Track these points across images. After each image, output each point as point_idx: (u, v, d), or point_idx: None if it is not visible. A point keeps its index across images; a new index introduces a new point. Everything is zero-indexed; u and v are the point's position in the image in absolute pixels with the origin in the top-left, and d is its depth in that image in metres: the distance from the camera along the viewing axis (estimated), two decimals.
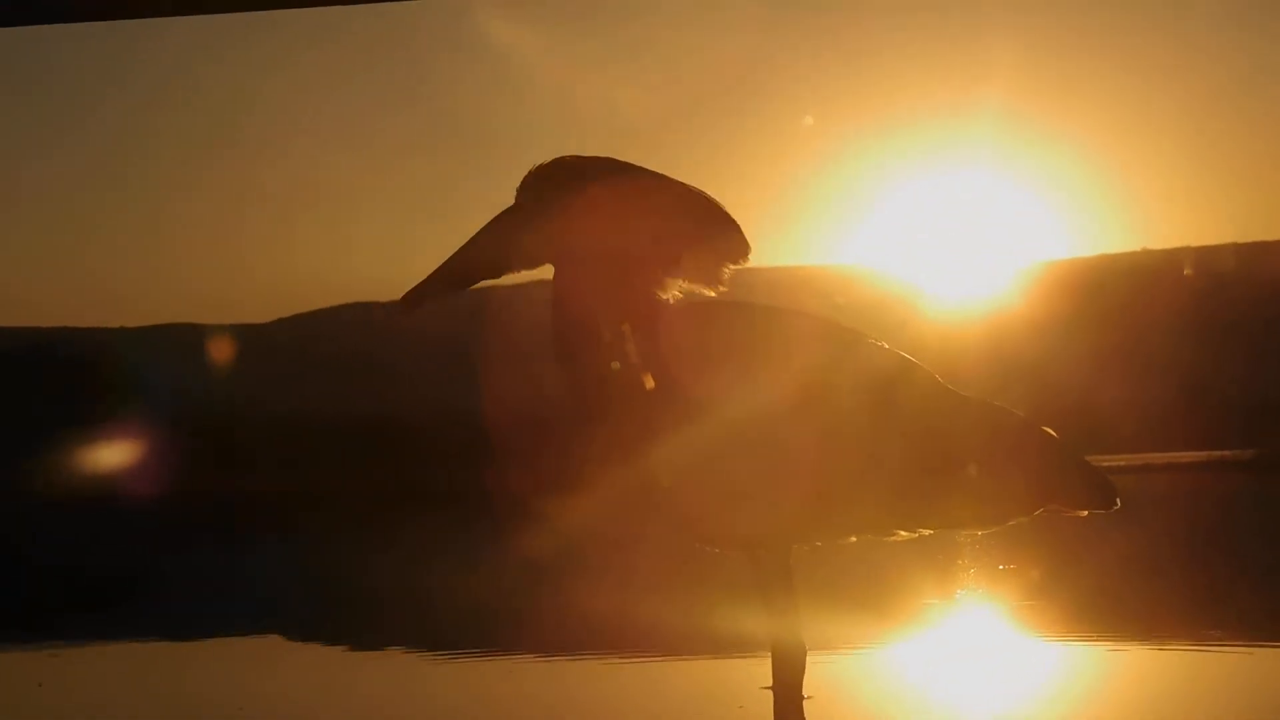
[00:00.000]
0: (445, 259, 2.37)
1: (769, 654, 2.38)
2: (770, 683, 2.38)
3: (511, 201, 2.36)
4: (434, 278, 2.38)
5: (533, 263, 2.36)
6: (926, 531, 2.45)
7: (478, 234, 2.36)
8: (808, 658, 2.32)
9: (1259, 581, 5.26)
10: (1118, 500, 2.48)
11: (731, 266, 2.35)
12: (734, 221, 2.36)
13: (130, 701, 3.58)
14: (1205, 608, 4.48)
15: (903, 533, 2.44)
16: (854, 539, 2.43)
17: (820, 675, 2.68)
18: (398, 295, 2.36)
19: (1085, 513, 2.50)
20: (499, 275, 2.38)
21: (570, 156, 2.38)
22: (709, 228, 2.36)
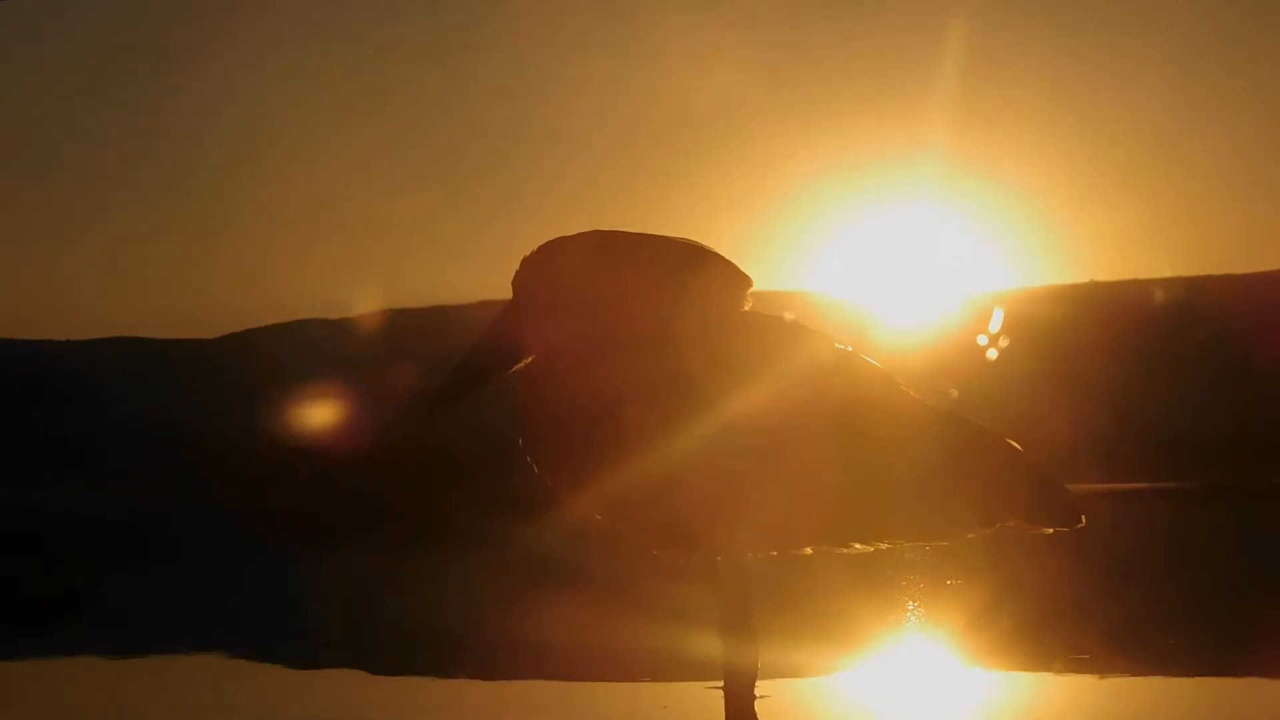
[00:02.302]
0: (457, 362, 2.43)
1: (722, 657, 2.43)
2: (721, 683, 2.44)
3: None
4: (450, 380, 2.43)
5: (531, 354, 2.42)
6: (883, 546, 2.48)
7: (482, 334, 2.41)
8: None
9: (1190, 609, 5.28)
10: (1082, 519, 2.48)
11: (743, 294, 2.41)
12: (721, 257, 2.41)
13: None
14: (1138, 634, 4.50)
15: (858, 545, 2.46)
16: (809, 550, 2.46)
17: (769, 696, 2.71)
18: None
19: (1050, 530, 2.50)
20: (510, 369, 2.43)
21: (554, 241, 2.42)
22: (695, 269, 2.40)
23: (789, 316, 2.54)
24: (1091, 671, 3.61)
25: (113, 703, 3.70)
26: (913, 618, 4.47)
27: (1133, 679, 3.60)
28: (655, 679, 3.48)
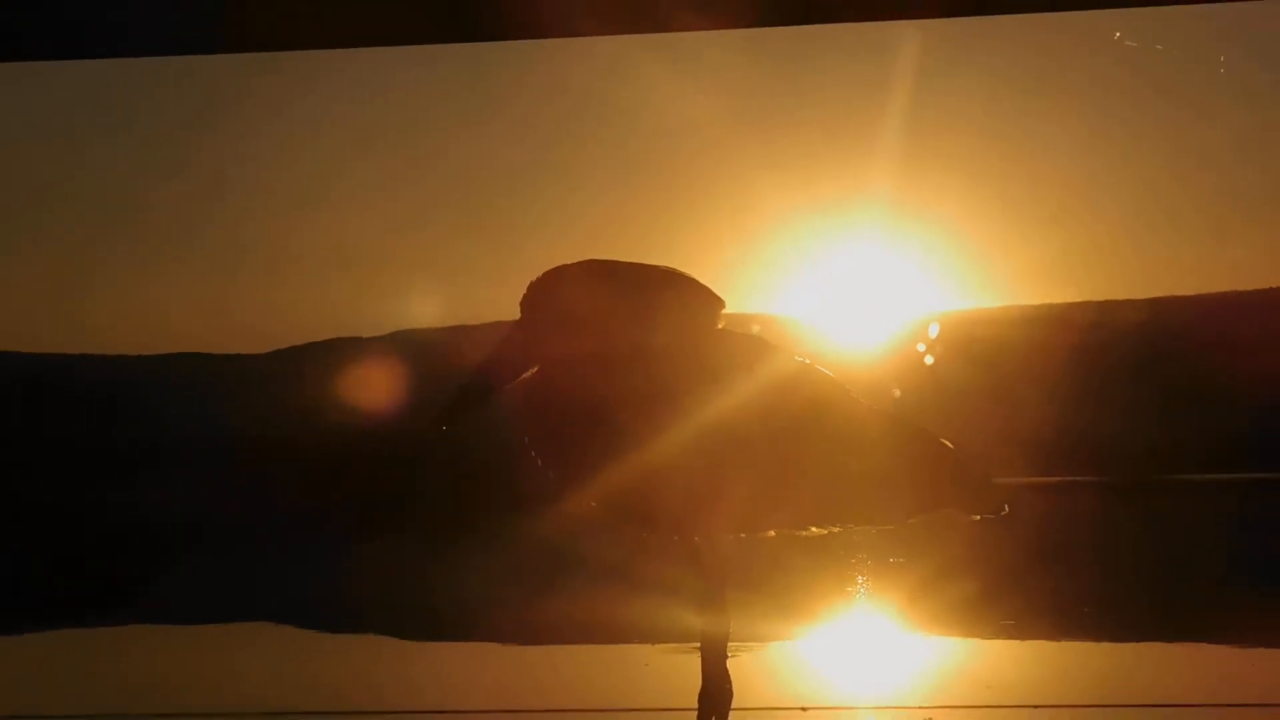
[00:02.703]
0: (472, 373, 2.42)
1: (699, 624, 2.42)
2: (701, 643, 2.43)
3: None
4: (460, 395, 2.42)
5: (535, 366, 2.43)
6: (835, 529, 2.47)
7: (494, 349, 2.41)
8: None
9: (1102, 584, 5.30)
10: (1005, 507, 2.49)
11: (716, 313, 2.43)
12: (696, 282, 2.42)
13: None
14: (1057, 605, 4.51)
15: (814, 529, 2.46)
16: (773, 533, 2.46)
17: (738, 656, 2.70)
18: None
19: (977, 516, 2.52)
20: (516, 379, 2.43)
21: (555, 269, 2.43)
22: (674, 292, 2.42)
23: (755, 331, 2.54)
24: (1015, 636, 3.62)
25: (184, 660, 3.71)
26: (861, 590, 4.46)
27: (1051, 642, 3.60)
28: (643, 642, 3.48)
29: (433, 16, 2.64)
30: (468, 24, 2.66)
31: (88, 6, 2.65)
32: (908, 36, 2.93)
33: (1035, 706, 2.60)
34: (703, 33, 2.64)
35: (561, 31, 2.78)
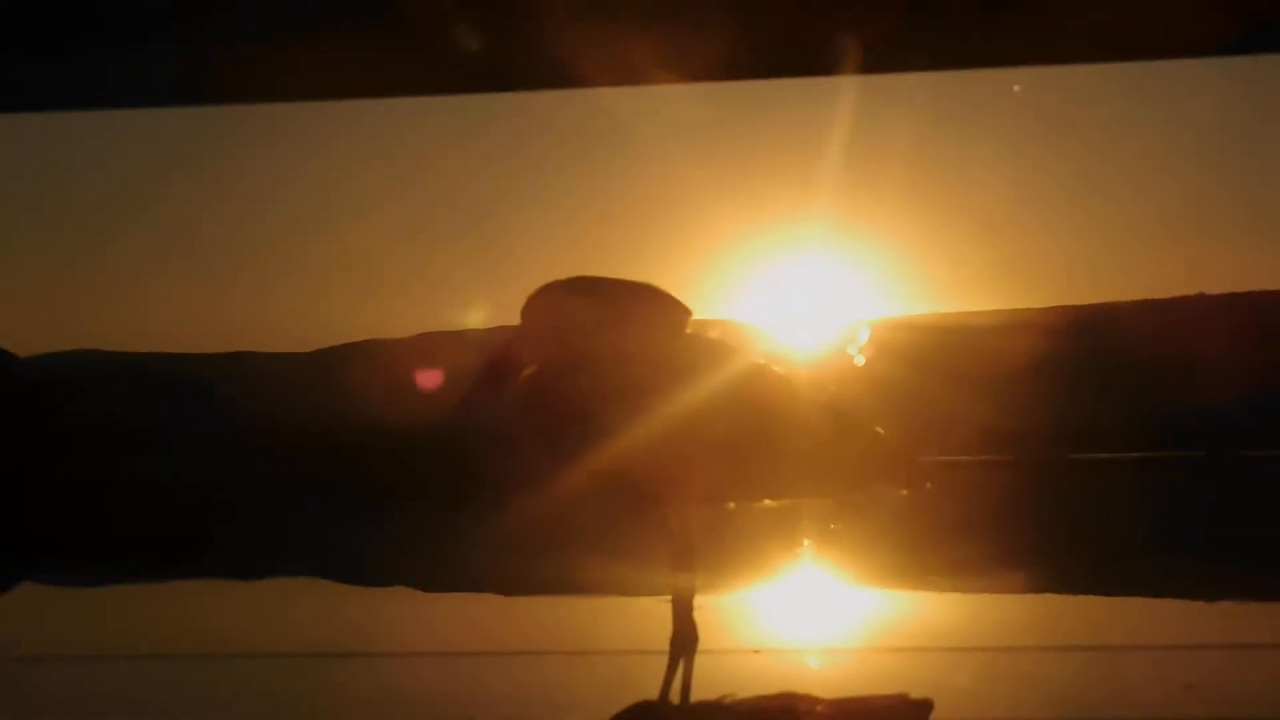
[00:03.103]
0: (481, 370, 2.44)
1: (673, 585, 2.44)
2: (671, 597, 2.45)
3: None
4: (473, 388, 2.45)
5: (532, 366, 2.44)
6: (785, 502, 2.50)
7: (499, 350, 2.44)
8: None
9: (1014, 546, 5.28)
10: (929, 483, 2.52)
11: (684, 320, 2.45)
12: (668, 295, 2.44)
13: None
14: (974, 564, 4.50)
15: (767, 501, 2.49)
16: (732, 505, 2.49)
17: (703, 608, 2.71)
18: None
19: (905, 491, 2.53)
20: (517, 376, 2.45)
21: (550, 283, 2.46)
22: (647, 302, 2.44)
23: (716, 335, 2.55)
24: (937, 589, 3.62)
25: (243, 607, 3.68)
26: (806, 551, 4.45)
27: (967, 594, 3.60)
28: (622, 595, 3.48)
29: (432, 69, 2.61)
30: (466, 79, 2.64)
31: (90, 60, 2.59)
32: (845, 86, 2.93)
33: (965, 649, 2.61)
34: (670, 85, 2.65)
35: (559, 84, 2.76)
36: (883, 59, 2.51)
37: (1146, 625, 3.08)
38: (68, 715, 2.20)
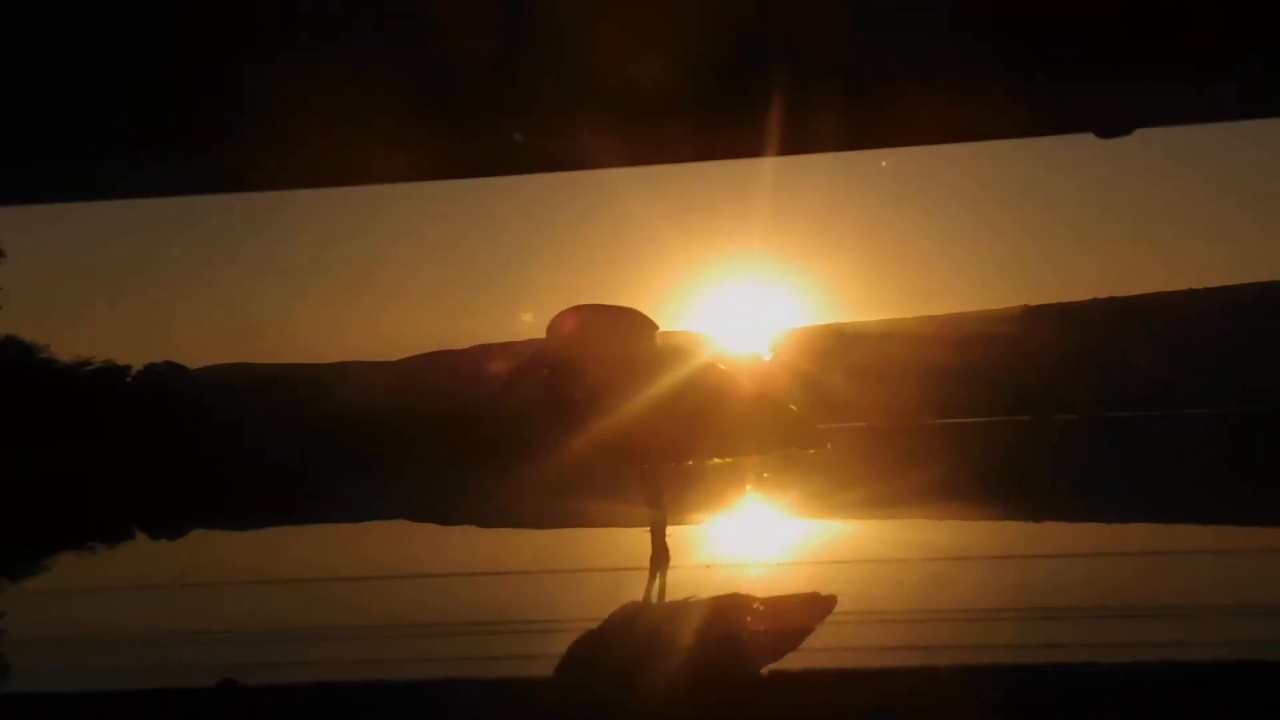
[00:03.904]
0: (516, 367, 2.42)
1: (651, 519, 2.43)
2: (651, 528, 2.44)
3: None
4: (513, 374, 2.43)
5: (552, 365, 2.42)
6: (729, 460, 2.49)
7: (530, 354, 2.42)
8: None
9: (916, 485, 5.26)
10: (828, 444, 2.52)
11: (654, 332, 2.45)
12: (642, 314, 2.44)
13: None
14: (886, 499, 4.49)
15: (716, 459, 2.48)
16: (691, 463, 2.47)
17: (672, 535, 2.69)
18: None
19: (811, 450, 2.53)
20: (542, 373, 2.43)
21: (565, 310, 2.44)
22: (627, 321, 2.43)
23: (676, 343, 2.54)
24: (842, 518, 3.62)
25: (344, 547, 3.65)
26: (748, 493, 4.44)
27: (864, 520, 3.60)
28: (610, 527, 3.46)
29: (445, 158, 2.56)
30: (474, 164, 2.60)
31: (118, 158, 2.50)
32: (767, 164, 2.90)
33: (865, 561, 2.59)
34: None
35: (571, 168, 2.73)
36: (793, 144, 2.51)
37: (992, 540, 3.08)
38: (227, 625, 2.18)
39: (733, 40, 2.13)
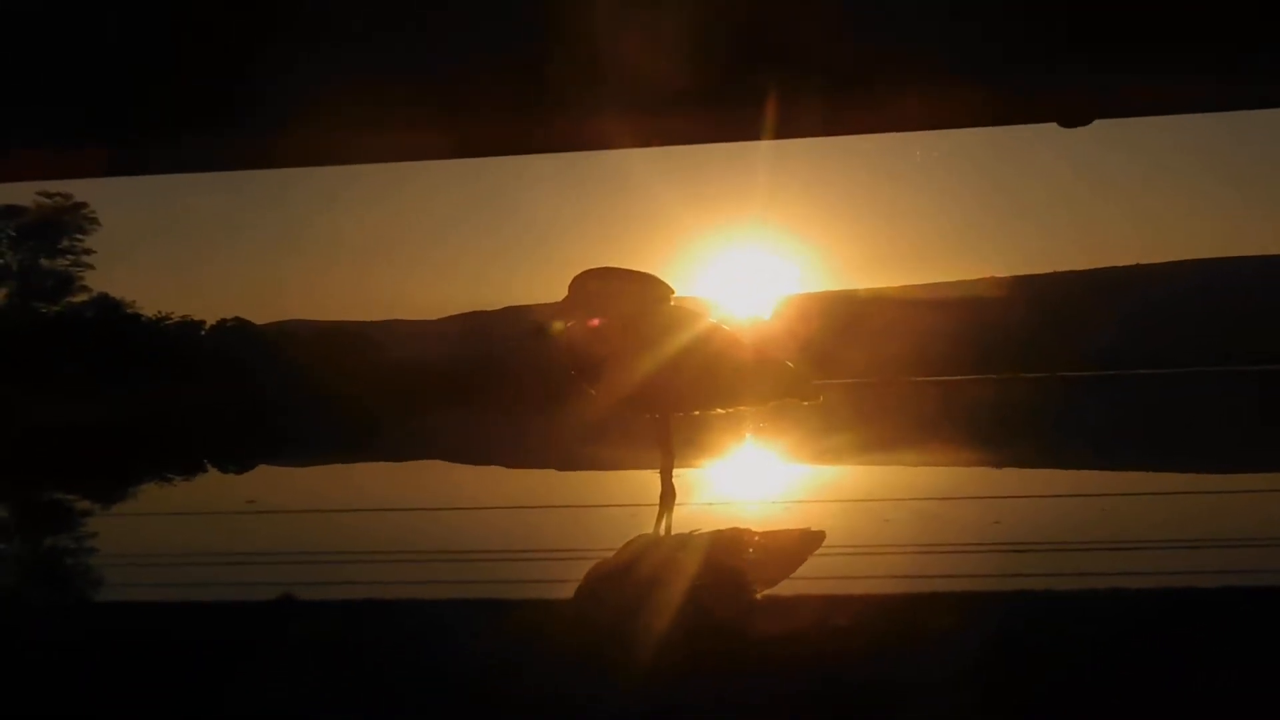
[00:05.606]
0: (550, 306, 2.42)
1: (660, 462, 2.43)
2: (659, 469, 2.44)
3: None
4: (537, 330, 2.43)
5: (575, 323, 2.41)
6: (730, 410, 2.48)
7: (552, 311, 2.40)
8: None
9: (896, 433, 5.24)
10: (821, 397, 2.51)
11: (668, 295, 2.44)
12: (658, 279, 2.42)
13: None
14: (874, 443, 4.48)
15: (719, 410, 2.47)
16: (697, 413, 2.46)
17: (680, 476, 2.69)
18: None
19: (806, 402, 2.52)
20: (564, 328, 2.41)
21: (584, 271, 2.41)
22: (645, 285, 2.42)
23: (689, 305, 2.53)
24: (834, 463, 3.62)
25: (384, 478, 3.66)
26: (747, 441, 4.44)
27: (854, 465, 3.60)
28: (628, 469, 3.46)
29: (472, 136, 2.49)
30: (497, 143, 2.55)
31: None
32: (766, 145, 2.85)
33: (852, 501, 2.56)
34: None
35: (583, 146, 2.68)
36: (795, 127, 2.47)
37: (972, 483, 3.07)
38: (287, 546, 2.20)
39: (733, 40, 2.11)
